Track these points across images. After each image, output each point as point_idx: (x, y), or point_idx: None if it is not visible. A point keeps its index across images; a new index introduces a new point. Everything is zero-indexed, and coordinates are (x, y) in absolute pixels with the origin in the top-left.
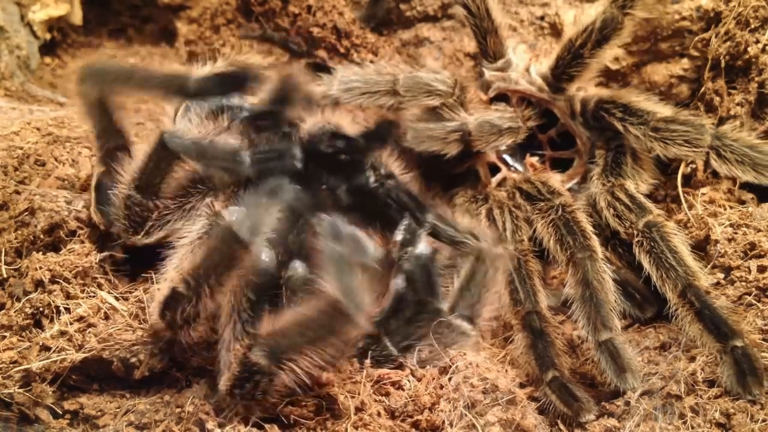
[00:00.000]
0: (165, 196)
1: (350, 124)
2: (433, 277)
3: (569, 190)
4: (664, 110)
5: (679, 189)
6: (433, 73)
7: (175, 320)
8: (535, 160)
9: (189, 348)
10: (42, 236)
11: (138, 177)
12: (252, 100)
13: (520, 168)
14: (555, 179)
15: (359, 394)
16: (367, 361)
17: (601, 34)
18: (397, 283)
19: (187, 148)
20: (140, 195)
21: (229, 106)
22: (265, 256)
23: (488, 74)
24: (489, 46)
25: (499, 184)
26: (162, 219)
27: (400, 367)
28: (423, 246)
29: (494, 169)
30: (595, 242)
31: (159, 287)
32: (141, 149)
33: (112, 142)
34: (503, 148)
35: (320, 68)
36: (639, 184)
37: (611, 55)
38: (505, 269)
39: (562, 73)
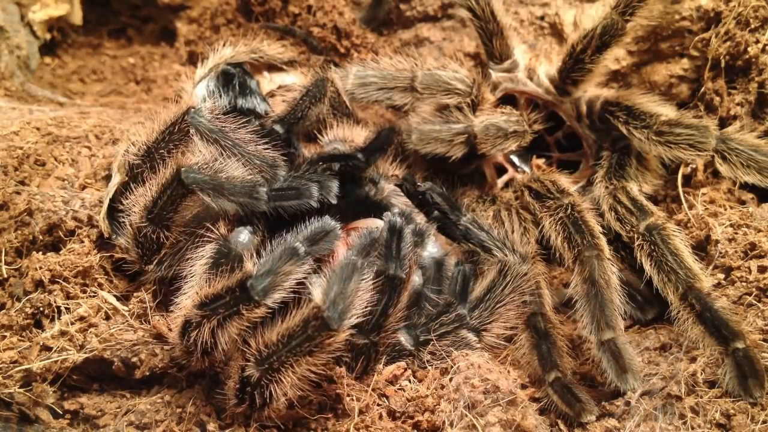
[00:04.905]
0: (178, 226)
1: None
2: (466, 281)
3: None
4: (669, 112)
5: (680, 189)
6: (452, 72)
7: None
8: (541, 161)
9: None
10: (41, 236)
11: (151, 208)
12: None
13: (527, 169)
14: (564, 179)
15: (365, 397)
16: (380, 366)
17: (601, 41)
18: (415, 279)
19: (204, 184)
20: (152, 226)
21: (242, 108)
22: None
23: (495, 75)
24: (495, 48)
25: (506, 185)
26: (175, 248)
27: (412, 361)
28: (431, 247)
29: (501, 170)
30: (603, 241)
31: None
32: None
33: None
34: (509, 150)
35: (337, 65)
36: (643, 185)
37: (613, 56)
38: (526, 290)
39: (567, 77)
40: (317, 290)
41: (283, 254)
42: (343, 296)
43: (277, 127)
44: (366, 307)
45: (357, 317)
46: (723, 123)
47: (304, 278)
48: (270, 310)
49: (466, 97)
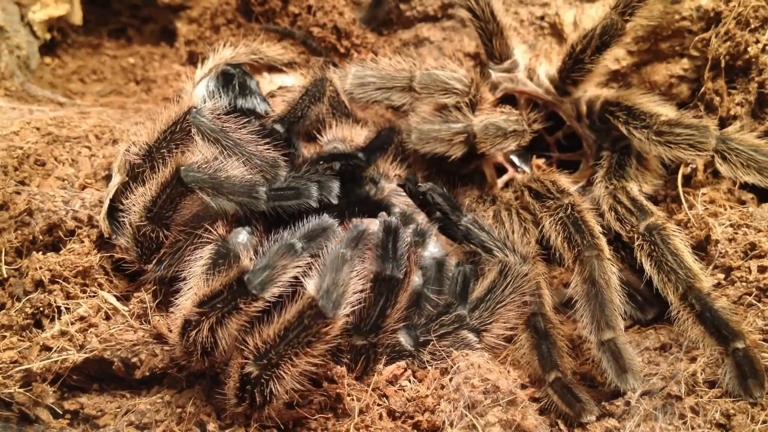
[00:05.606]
0: (177, 225)
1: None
2: (466, 282)
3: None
4: (669, 112)
5: (680, 189)
6: (450, 71)
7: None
8: (541, 161)
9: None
10: (41, 236)
11: (150, 207)
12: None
13: (527, 169)
14: (564, 179)
15: (365, 397)
16: (380, 366)
17: (600, 41)
18: (414, 280)
19: (204, 183)
20: (152, 225)
21: (242, 108)
22: None
23: (495, 75)
24: (495, 48)
25: (506, 185)
26: (174, 247)
27: (412, 361)
28: (432, 247)
29: (501, 170)
30: (603, 241)
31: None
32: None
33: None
34: (509, 150)
35: (337, 66)
36: (643, 185)
37: (613, 56)
38: (526, 291)
39: (567, 77)
40: (310, 283)
41: (279, 250)
42: (336, 286)
43: (278, 127)
44: (359, 295)
45: (351, 305)
46: (723, 123)
47: (302, 274)
48: (268, 305)
49: (464, 97)
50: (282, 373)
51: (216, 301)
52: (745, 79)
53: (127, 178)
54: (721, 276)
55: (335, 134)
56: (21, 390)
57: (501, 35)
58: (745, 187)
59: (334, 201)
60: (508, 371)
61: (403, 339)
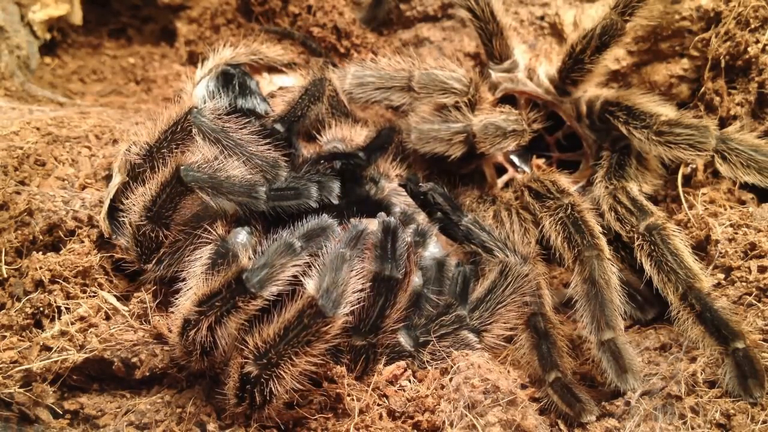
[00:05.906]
0: (177, 224)
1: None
2: (467, 282)
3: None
4: (669, 112)
5: (680, 189)
6: (449, 71)
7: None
8: (541, 161)
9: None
10: (41, 236)
11: (150, 207)
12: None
13: (527, 169)
14: (564, 179)
15: (365, 397)
16: (380, 366)
17: (600, 41)
18: (414, 280)
19: (203, 182)
20: (152, 225)
21: (242, 108)
22: None
23: (495, 75)
24: (495, 48)
25: (506, 185)
26: (173, 247)
27: (412, 361)
28: (432, 247)
29: (501, 170)
30: (603, 241)
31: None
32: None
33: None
34: (509, 149)
35: (336, 66)
36: (643, 185)
37: (613, 56)
38: (527, 291)
39: (567, 77)
40: (310, 282)
41: (278, 249)
42: (336, 285)
43: (278, 127)
44: (359, 294)
45: (351, 305)
46: (723, 123)
47: (302, 273)
48: (267, 304)
49: (462, 97)
50: (282, 372)
51: (215, 300)
52: (745, 79)
53: (127, 178)
54: (721, 276)
55: (335, 134)
56: (21, 390)
57: (501, 35)
58: (745, 187)
59: (335, 201)
60: (508, 371)
61: (403, 339)
